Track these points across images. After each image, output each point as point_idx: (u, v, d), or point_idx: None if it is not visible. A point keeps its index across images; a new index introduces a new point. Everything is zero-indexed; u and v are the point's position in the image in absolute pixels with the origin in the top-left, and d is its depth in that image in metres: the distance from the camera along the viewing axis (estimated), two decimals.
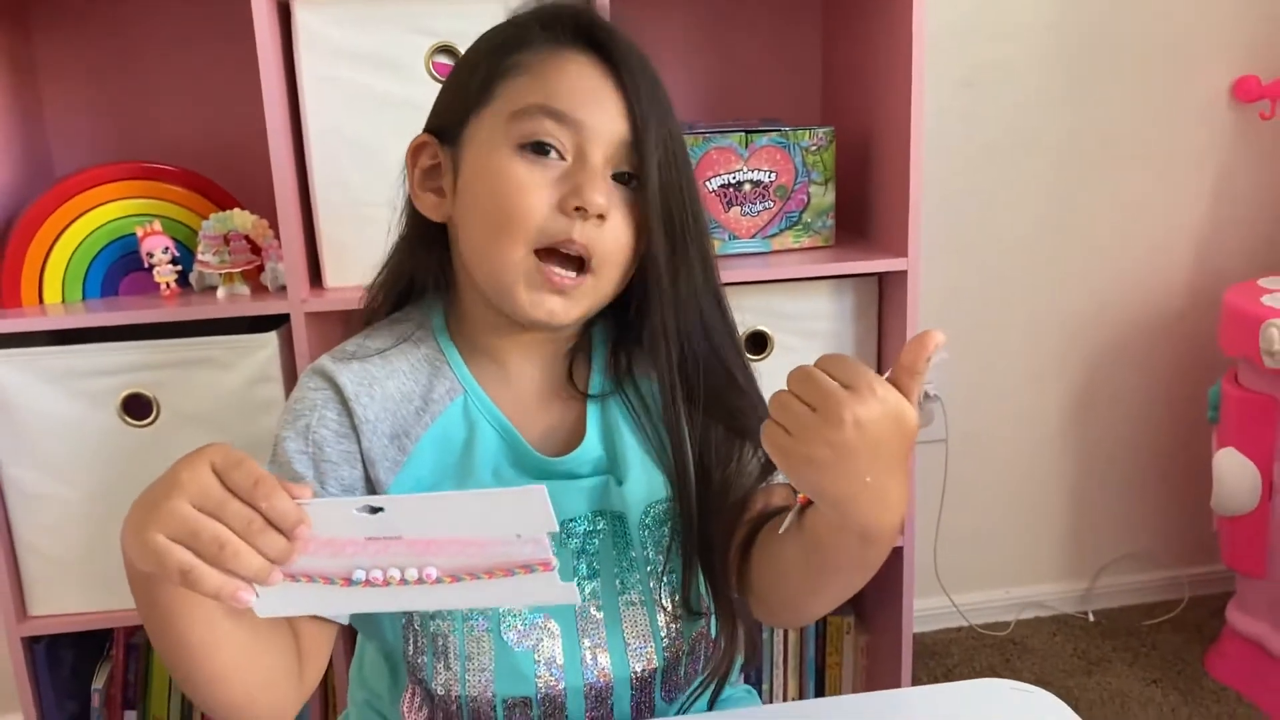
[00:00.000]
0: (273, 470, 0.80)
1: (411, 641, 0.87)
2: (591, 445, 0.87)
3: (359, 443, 0.84)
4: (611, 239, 0.81)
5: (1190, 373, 2.03)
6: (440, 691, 0.86)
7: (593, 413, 0.89)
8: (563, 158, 0.80)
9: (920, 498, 1.85)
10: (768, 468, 0.89)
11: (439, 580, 0.63)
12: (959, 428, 1.93)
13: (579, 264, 0.81)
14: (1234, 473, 1.74)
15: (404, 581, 0.63)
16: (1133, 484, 2.09)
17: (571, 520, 0.86)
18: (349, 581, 0.63)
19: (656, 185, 0.81)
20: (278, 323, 1.37)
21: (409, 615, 0.86)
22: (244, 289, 1.38)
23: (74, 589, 1.38)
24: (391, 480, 0.84)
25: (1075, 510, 2.08)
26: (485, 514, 0.62)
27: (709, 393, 0.87)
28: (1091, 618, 2.07)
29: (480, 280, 0.85)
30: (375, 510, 0.61)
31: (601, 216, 0.80)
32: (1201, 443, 1.97)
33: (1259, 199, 1.98)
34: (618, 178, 0.82)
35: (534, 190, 0.80)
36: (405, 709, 0.89)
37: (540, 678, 0.86)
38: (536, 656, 0.86)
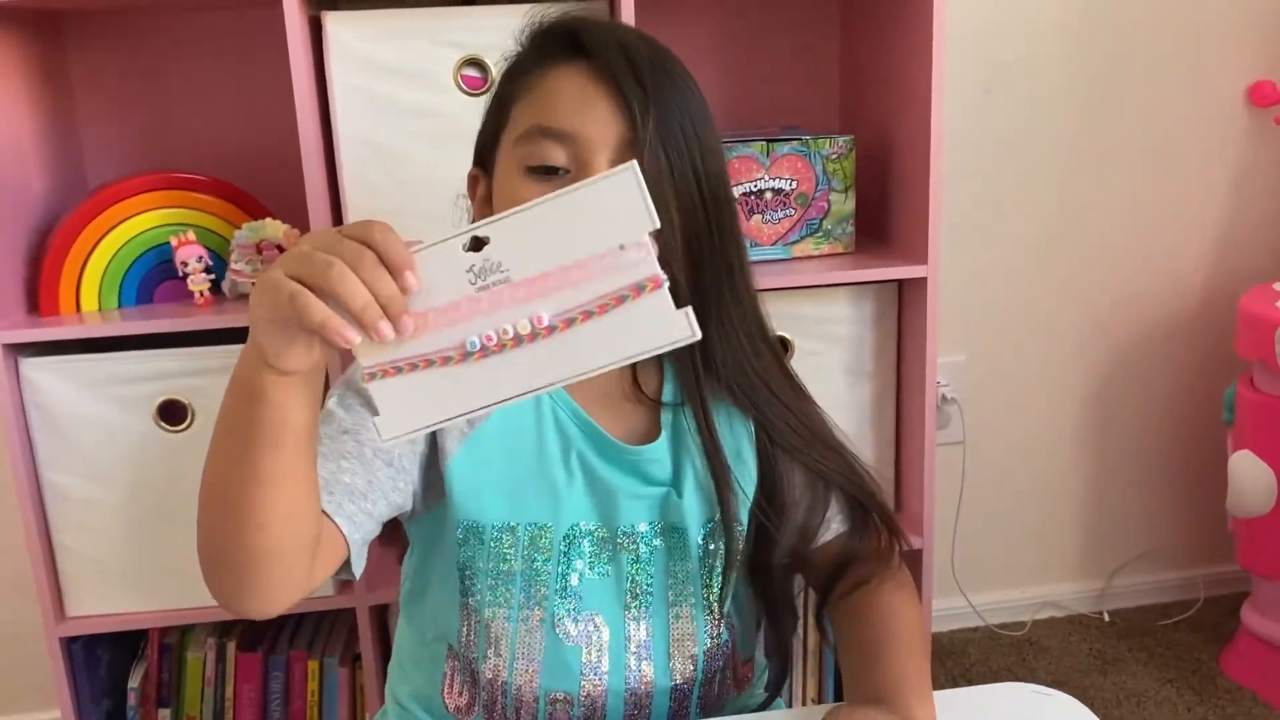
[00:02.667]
0: (325, 429, 0.80)
1: (466, 626, 0.88)
2: (661, 448, 0.87)
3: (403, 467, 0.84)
4: None
5: (1206, 374, 2.04)
6: (488, 676, 0.88)
7: (665, 420, 0.89)
8: (570, 172, 0.79)
9: (938, 499, 1.87)
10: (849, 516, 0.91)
11: (551, 328, 0.59)
12: (976, 430, 1.95)
13: None
14: (1249, 475, 1.75)
15: (518, 340, 0.60)
16: (1148, 485, 2.10)
17: (635, 530, 0.87)
18: (464, 355, 0.60)
19: (668, 174, 0.78)
20: None
21: (464, 601, 0.87)
22: None
23: (111, 590, 1.41)
24: (458, 449, 0.84)
25: (1091, 511, 2.10)
26: (583, 219, 0.58)
27: (762, 408, 0.87)
28: (1107, 618, 2.09)
29: None
30: (479, 246, 0.59)
31: None
32: (1217, 443, 1.98)
33: (1273, 203, 1.99)
34: None
35: None
36: (445, 693, 0.91)
37: (585, 676, 0.87)
38: (585, 655, 0.87)
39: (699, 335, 0.59)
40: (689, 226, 0.80)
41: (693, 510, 0.87)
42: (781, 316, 1.50)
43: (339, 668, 1.54)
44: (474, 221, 0.90)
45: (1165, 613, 2.08)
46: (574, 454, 0.87)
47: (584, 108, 0.78)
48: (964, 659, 1.96)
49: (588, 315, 0.59)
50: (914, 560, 1.59)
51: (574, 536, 0.86)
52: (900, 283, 1.53)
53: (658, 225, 0.57)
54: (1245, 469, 1.76)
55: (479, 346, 0.60)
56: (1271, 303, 1.72)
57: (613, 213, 0.58)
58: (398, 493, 0.82)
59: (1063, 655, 1.96)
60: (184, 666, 1.52)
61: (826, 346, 1.53)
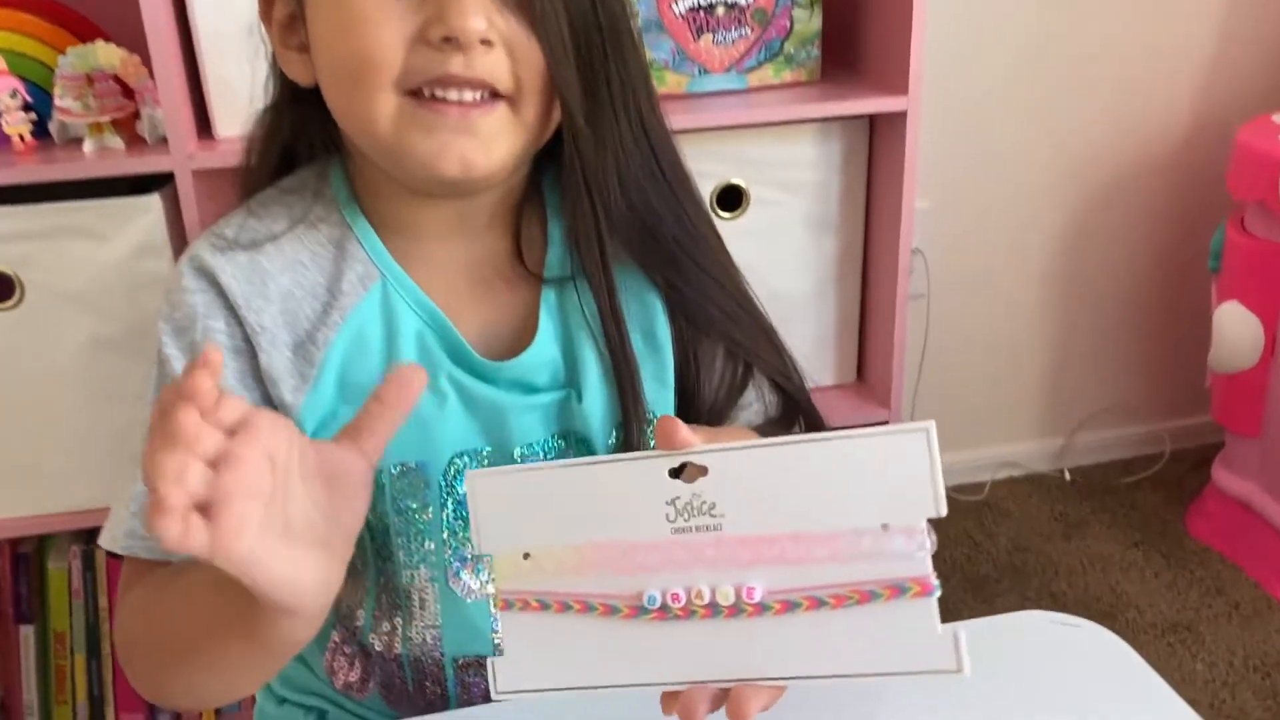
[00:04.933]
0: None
1: (347, 588, 0.71)
2: (545, 346, 0.69)
3: (255, 358, 0.65)
4: (518, 59, 0.61)
5: (1188, 219, 1.88)
6: (378, 648, 0.72)
7: (547, 304, 0.70)
8: None
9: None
10: (740, 386, 0.74)
11: (762, 607, 0.46)
12: (941, 282, 1.78)
13: (485, 92, 0.61)
14: (1236, 327, 1.62)
15: (712, 610, 0.46)
16: (1117, 337, 1.96)
17: (530, 447, 0.70)
18: (636, 610, 0.47)
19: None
20: (161, 182, 1.14)
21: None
22: (117, 141, 1.14)
23: None
24: (300, 402, 0.66)
25: (1057, 364, 1.97)
26: (844, 479, 0.45)
27: (665, 274, 0.70)
28: (1068, 477, 1.98)
29: (365, 149, 0.65)
30: (694, 475, 0.46)
31: (486, 42, 0.59)
32: (1195, 293, 1.85)
33: (1274, 27, 1.79)
34: None
35: (385, 21, 0.59)
36: (331, 666, 0.74)
37: (498, 633, 0.70)
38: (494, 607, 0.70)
39: (967, 670, 0.44)
40: (582, 45, 0.63)
41: (596, 414, 0.69)
42: (733, 160, 1.28)
43: None
44: (273, 55, 0.68)
45: (1128, 469, 1.98)
46: (441, 375, 0.68)
47: None
48: None
49: (816, 604, 0.46)
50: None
51: (458, 471, 0.69)
52: (873, 118, 1.31)
53: (943, 513, 0.44)
54: (1232, 321, 1.63)
55: (658, 604, 0.47)
56: (1274, 136, 1.54)
57: (886, 480, 0.45)
58: None
59: (1024, 519, 1.86)
60: (46, 579, 1.32)
61: (787, 196, 1.31)
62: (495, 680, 0.50)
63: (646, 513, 0.47)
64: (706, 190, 1.28)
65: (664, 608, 0.47)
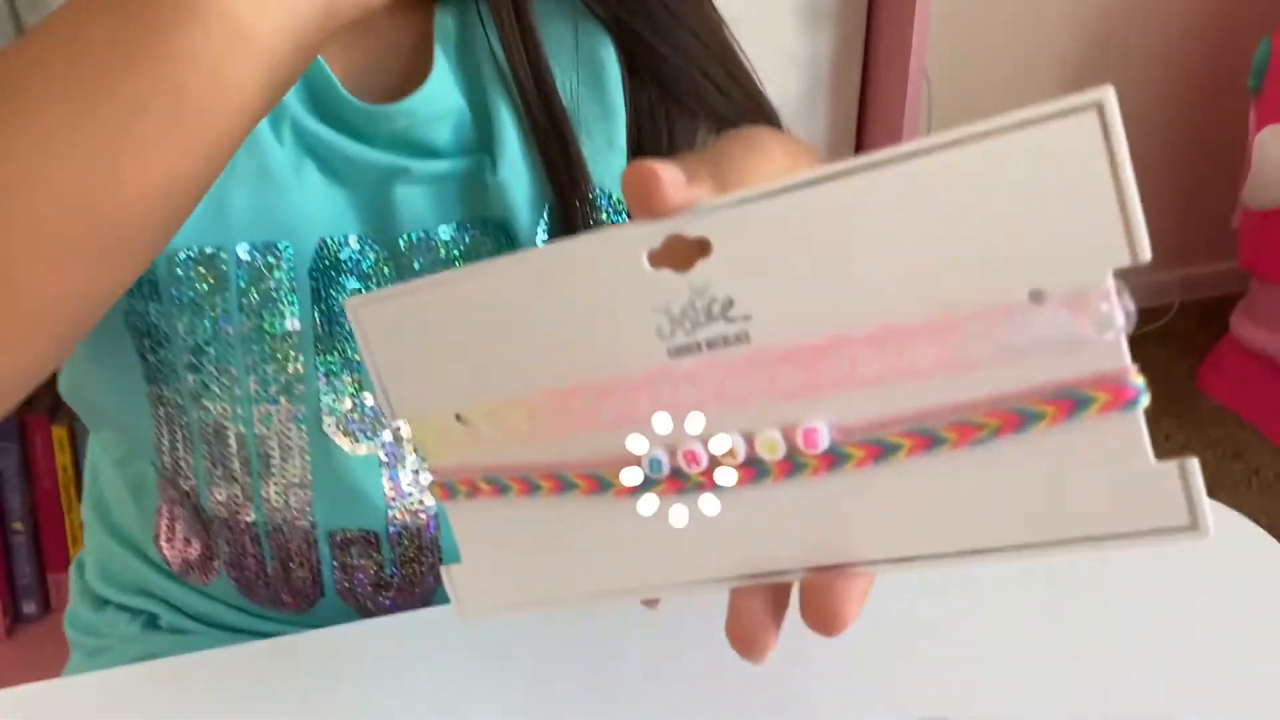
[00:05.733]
0: None
1: (165, 435, 0.53)
2: (442, 90, 0.49)
3: None
4: None
5: (1227, 31, 1.71)
6: (220, 514, 0.54)
7: (444, 35, 0.49)
8: None
9: None
10: None
11: (835, 454, 0.27)
12: (943, 112, 1.55)
13: None
14: (1277, 155, 1.44)
15: (754, 467, 0.28)
16: (1133, 163, 1.76)
17: (425, 237, 0.50)
18: (632, 486, 0.30)
19: None
20: None
21: (154, 392, 0.52)
22: None
23: None
24: None
25: None
26: (947, 210, 0.25)
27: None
28: None
29: None
30: (690, 256, 0.28)
31: None
32: (1225, 117, 1.69)
33: None
34: None
35: None
36: (162, 541, 0.57)
37: (393, 501, 0.54)
38: (385, 468, 0.53)
39: (1209, 529, 0.24)
40: None
41: (519, 190, 0.49)
42: None
43: None
44: None
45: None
46: (286, 124, 0.48)
47: None
48: None
49: (926, 442, 0.26)
50: None
51: (328, 265, 0.49)
52: None
53: (1145, 255, 0.23)
54: (1273, 147, 1.47)
55: (665, 470, 0.29)
56: None
57: (1035, 212, 0.24)
58: None
59: None
60: None
61: None
62: (458, 600, 0.34)
63: (627, 329, 0.28)
64: None
65: (675, 474, 0.29)
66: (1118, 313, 0.24)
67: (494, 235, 0.49)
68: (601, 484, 0.30)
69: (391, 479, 0.54)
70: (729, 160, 0.31)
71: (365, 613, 0.56)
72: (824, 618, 0.28)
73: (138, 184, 0.33)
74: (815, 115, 1.18)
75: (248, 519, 0.54)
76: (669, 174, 0.26)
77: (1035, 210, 0.24)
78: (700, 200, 0.27)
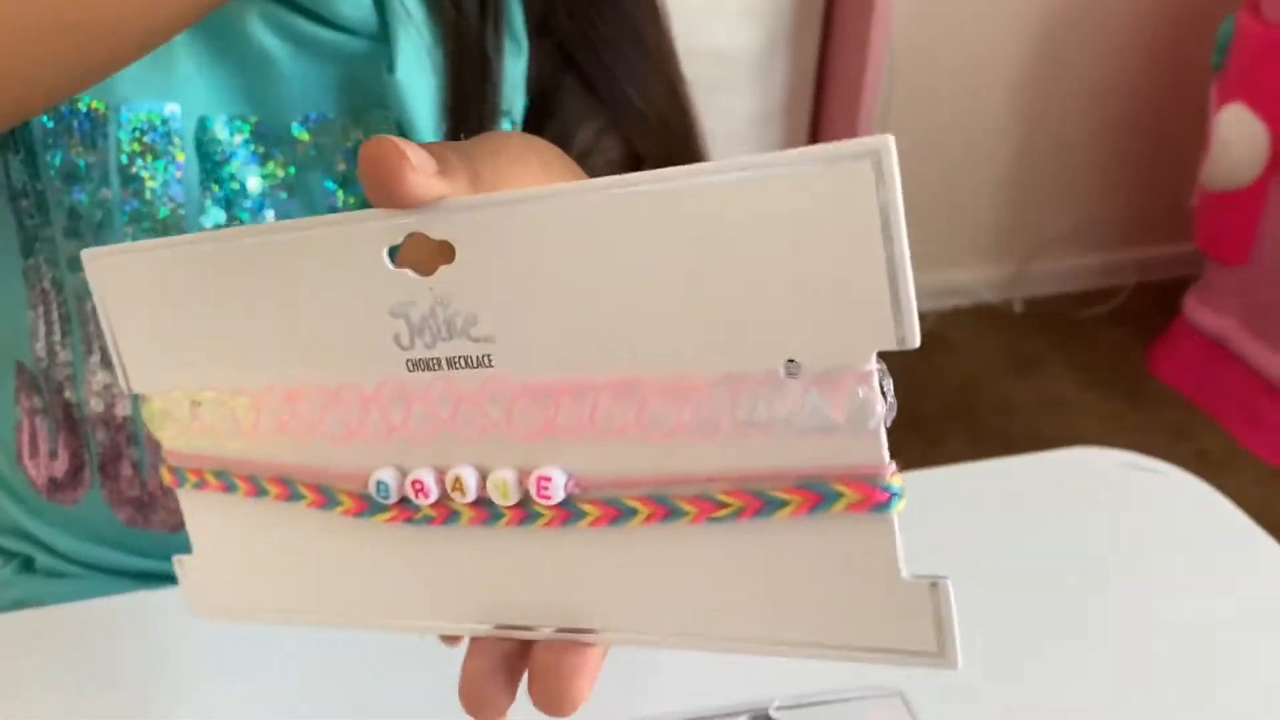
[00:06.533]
0: None
1: (41, 319, 0.50)
2: None
3: None
4: None
5: (1192, 7, 1.67)
6: (97, 409, 0.51)
7: None
8: None
9: None
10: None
11: (570, 509, 0.24)
12: (904, 79, 1.51)
13: None
14: (1238, 134, 1.44)
15: (485, 509, 0.25)
16: (1087, 148, 1.78)
17: (315, 125, 0.47)
18: (363, 503, 0.27)
19: None
20: None
21: (30, 265, 0.49)
22: None
23: None
24: None
25: (1014, 180, 1.79)
26: (706, 258, 0.21)
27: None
28: (1019, 308, 1.78)
29: None
30: (434, 259, 0.24)
31: None
32: (1187, 97, 1.66)
33: None
34: None
35: None
36: (25, 460, 0.53)
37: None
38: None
39: (958, 661, 0.22)
40: None
41: (418, 89, 0.46)
42: None
43: None
44: None
45: (1084, 302, 1.81)
46: None
47: None
48: None
49: (664, 513, 0.23)
50: None
51: (212, 141, 0.46)
52: None
53: (914, 339, 0.20)
54: (1234, 126, 1.44)
55: (392, 496, 0.26)
56: None
57: (794, 268, 0.21)
58: None
59: (972, 354, 1.68)
60: None
61: None
62: (188, 595, 0.31)
63: (361, 331, 0.25)
64: None
65: (405, 503, 0.26)
66: (876, 401, 0.21)
67: (385, 129, 0.45)
68: (329, 498, 0.27)
69: None
70: (487, 158, 0.27)
71: None
72: (550, 697, 0.25)
73: None
74: (774, 67, 1.14)
75: (124, 413, 0.50)
76: (418, 158, 0.23)
77: (800, 267, 0.21)
78: (448, 196, 0.23)
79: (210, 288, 0.27)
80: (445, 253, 0.23)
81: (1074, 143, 1.75)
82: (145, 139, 0.44)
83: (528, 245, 0.23)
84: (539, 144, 0.30)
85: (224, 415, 0.28)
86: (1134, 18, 1.68)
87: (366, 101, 0.46)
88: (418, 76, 0.45)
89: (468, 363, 0.24)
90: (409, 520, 0.26)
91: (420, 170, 0.23)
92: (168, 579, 0.51)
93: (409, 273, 0.24)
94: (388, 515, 0.26)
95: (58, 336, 0.49)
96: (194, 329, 0.28)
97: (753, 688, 0.39)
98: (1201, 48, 1.56)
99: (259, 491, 0.28)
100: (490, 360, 0.24)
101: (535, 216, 0.22)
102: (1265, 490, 1.42)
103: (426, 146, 0.23)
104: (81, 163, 0.44)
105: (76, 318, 0.48)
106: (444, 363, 0.24)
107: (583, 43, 0.49)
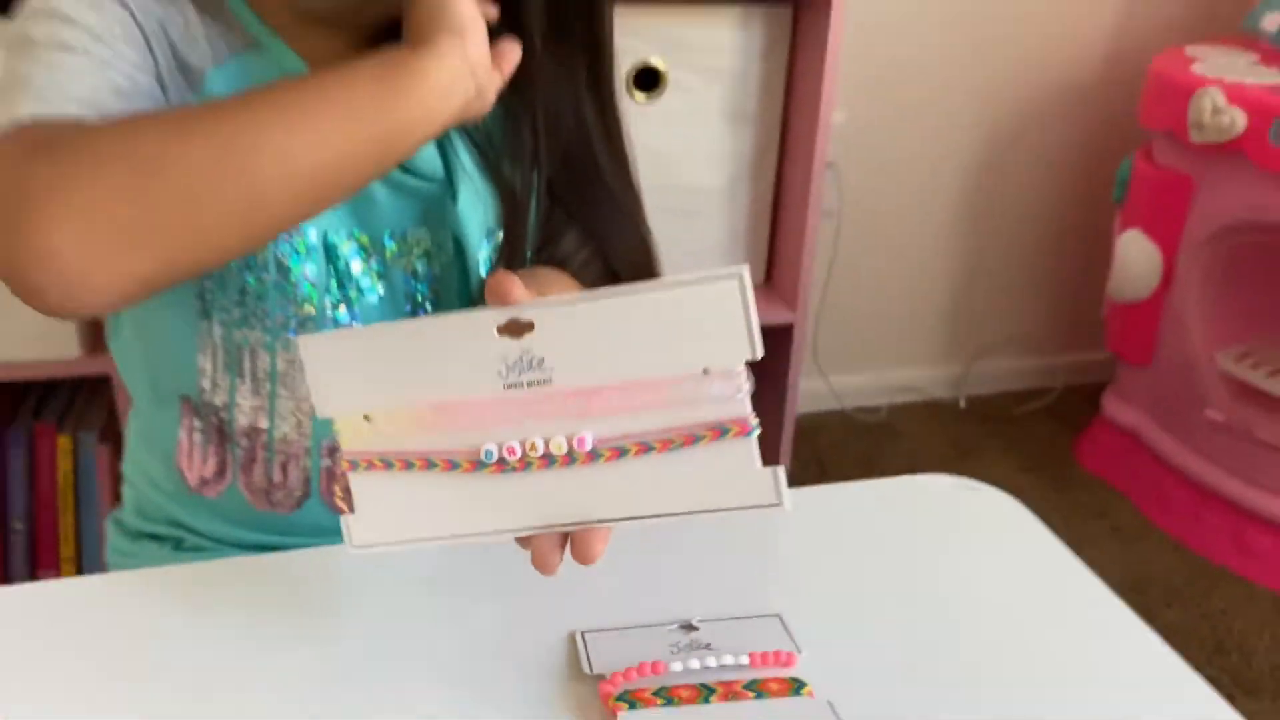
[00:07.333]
0: (46, 25, 0.56)
1: (209, 362, 0.69)
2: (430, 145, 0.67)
3: (149, 47, 0.60)
4: None
5: (1098, 150, 1.92)
6: (242, 424, 0.71)
7: None
8: None
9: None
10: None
11: (594, 455, 0.47)
12: (853, 201, 1.77)
13: None
14: (1136, 255, 1.66)
15: (548, 461, 0.48)
16: (1020, 266, 2.00)
17: (401, 237, 0.69)
18: (475, 465, 0.49)
19: None
20: None
21: (205, 326, 0.68)
22: None
23: None
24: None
25: (959, 291, 1.99)
26: (663, 327, 0.46)
27: (568, 184, 0.72)
28: (964, 404, 2.00)
29: None
30: (521, 330, 0.47)
31: None
32: (1099, 224, 1.88)
33: None
34: None
35: None
36: (183, 463, 0.73)
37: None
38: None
39: (788, 506, 0.46)
40: None
41: (471, 215, 0.69)
42: (654, 39, 1.24)
43: (98, 444, 1.28)
44: None
45: (1021, 400, 2.02)
46: None
47: None
48: (818, 441, 1.84)
49: (644, 449, 0.48)
50: (782, 338, 1.42)
51: (333, 246, 0.68)
52: (796, 4, 1.27)
53: (759, 355, 0.45)
54: (1133, 249, 1.66)
55: (495, 458, 0.49)
56: (1186, 67, 1.56)
57: (704, 327, 0.46)
58: None
59: (919, 442, 1.87)
60: None
61: (705, 82, 1.28)
62: (349, 536, 0.52)
63: (479, 371, 0.47)
64: (624, 69, 1.23)
65: (501, 461, 0.48)
66: (746, 384, 0.45)
67: (452, 245, 0.69)
68: (454, 464, 0.49)
69: None
70: (542, 282, 0.53)
71: (337, 512, 0.72)
72: (584, 555, 0.48)
73: (298, 157, 0.50)
74: (738, 200, 1.37)
75: (263, 426, 0.70)
76: (518, 286, 0.47)
77: (706, 325, 0.45)
78: (526, 300, 0.47)
79: (386, 351, 0.49)
80: (528, 327, 0.47)
81: (1009, 263, 1.97)
82: (294, 243, 0.66)
83: (566, 322, 0.46)
84: (560, 274, 0.55)
85: (393, 422, 0.50)
86: (1053, 158, 1.91)
87: (436, 223, 0.68)
88: (473, 207, 0.68)
89: (539, 383, 0.47)
90: (502, 471, 0.48)
91: (519, 289, 0.46)
92: (277, 549, 0.69)
93: (507, 338, 0.46)
94: (490, 469, 0.48)
95: (220, 374, 0.69)
96: (372, 375, 0.49)
97: (680, 606, 0.61)
98: (1107, 184, 1.82)
99: (408, 466, 0.50)
100: (551, 380, 0.47)
101: (568, 309, 0.46)
102: (1171, 557, 1.63)
103: (519, 273, 0.47)
104: (253, 257, 0.65)
105: (235, 362, 0.68)
106: (525, 384, 0.47)
107: (579, 206, 0.71)
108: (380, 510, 0.51)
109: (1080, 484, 1.79)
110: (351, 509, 0.51)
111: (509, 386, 0.47)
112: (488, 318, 0.47)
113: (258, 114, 0.50)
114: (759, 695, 0.55)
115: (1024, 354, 2.04)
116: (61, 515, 1.33)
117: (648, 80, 1.26)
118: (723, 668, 0.56)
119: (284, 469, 0.71)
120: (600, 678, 0.55)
